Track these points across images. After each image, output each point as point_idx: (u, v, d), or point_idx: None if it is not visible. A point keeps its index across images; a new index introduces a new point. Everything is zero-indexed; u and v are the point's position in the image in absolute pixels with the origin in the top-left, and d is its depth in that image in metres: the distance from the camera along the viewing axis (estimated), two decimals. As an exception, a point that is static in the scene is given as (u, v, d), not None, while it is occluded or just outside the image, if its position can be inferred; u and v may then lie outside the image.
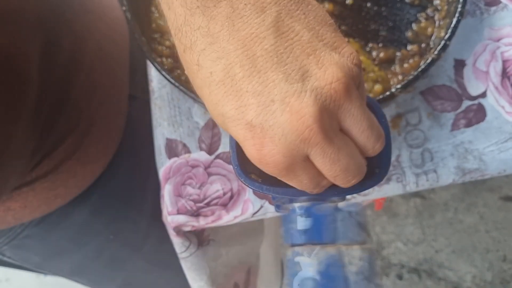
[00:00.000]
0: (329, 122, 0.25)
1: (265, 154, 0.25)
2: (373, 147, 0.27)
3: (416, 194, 1.29)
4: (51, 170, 0.49)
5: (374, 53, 0.47)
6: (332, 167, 0.26)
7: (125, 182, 0.60)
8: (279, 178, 0.27)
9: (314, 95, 0.24)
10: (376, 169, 0.30)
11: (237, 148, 0.30)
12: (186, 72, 0.28)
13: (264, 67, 0.24)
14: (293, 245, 0.33)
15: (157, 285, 0.69)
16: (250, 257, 0.69)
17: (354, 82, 0.25)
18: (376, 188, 0.48)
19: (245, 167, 0.30)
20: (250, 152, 0.26)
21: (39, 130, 0.45)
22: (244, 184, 0.29)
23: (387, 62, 0.47)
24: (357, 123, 0.26)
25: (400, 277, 1.26)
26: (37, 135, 0.45)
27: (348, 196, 0.48)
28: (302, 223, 0.33)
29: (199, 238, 0.53)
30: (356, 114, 0.26)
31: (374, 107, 0.29)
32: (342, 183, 0.27)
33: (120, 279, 0.67)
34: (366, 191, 0.48)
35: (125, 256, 0.63)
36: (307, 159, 0.26)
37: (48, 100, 0.45)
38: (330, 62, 0.25)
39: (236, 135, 0.26)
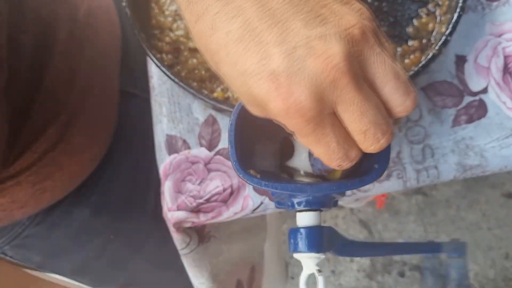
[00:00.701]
0: (354, 66, 0.24)
1: (292, 102, 0.24)
2: (404, 101, 0.26)
3: (418, 191, 1.29)
4: (34, 161, 0.49)
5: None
6: (361, 118, 0.25)
7: (126, 181, 0.60)
8: (307, 139, 0.25)
9: (336, 37, 0.24)
10: (375, 164, 0.29)
11: (236, 144, 0.30)
12: (197, 44, 0.27)
13: (283, 18, 0.24)
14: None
15: (158, 285, 0.69)
16: (252, 254, 0.69)
17: (368, 30, 0.25)
18: (376, 184, 0.48)
19: (244, 162, 0.30)
20: (275, 104, 0.24)
21: (9, 118, 0.44)
22: (243, 179, 0.29)
23: (388, 58, 0.47)
24: (380, 71, 0.25)
25: (402, 274, 1.26)
26: (8, 124, 0.44)
27: (348, 192, 0.48)
28: (301, 219, 0.33)
29: (200, 235, 0.53)
30: (377, 61, 0.25)
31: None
32: (371, 142, 0.26)
33: (121, 279, 0.67)
34: (366, 187, 0.48)
35: (126, 256, 0.63)
36: (335, 116, 0.25)
37: (18, 87, 0.44)
38: (343, 12, 0.25)
39: (258, 91, 0.25)
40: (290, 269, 1.30)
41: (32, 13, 0.46)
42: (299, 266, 0.33)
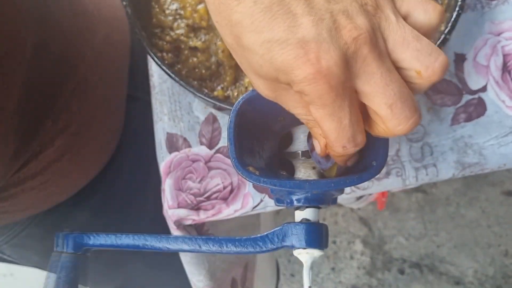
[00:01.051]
0: (376, 37, 0.25)
1: (321, 66, 0.24)
2: (431, 62, 0.25)
3: (418, 189, 1.30)
4: (39, 171, 0.49)
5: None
6: (385, 90, 0.24)
7: (126, 183, 0.60)
8: (323, 110, 0.25)
9: (357, 10, 0.25)
10: (373, 161, 0.30)
11: (235, 141, 0.30)
12: (216, 18, 0.27)
13: None
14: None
15: (156, 287, 0.70)
16: (247, 252, 0.69)
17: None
18: (375, 182, 0.48)
19: (243, 160, 0.30)
20: (303, 70, 0.24)
21: (21, 133, 0.44)
22: (242, 176, 0.29)
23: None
24: (399, 36, 0.25)
25: (401, 271, 1.26)
26: (19, 138, 0.44)
27: (347, 190, 0.48)
28: (300, 215, 0.33)
29: (199, 232, 0.53)
30: (395, 28, 0.25)
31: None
32: (399, 121, 0.25)
33: (119, 280, 0.67)
34: (365, 185, 0.49)
35: (125, 257, 0.64)
36: (354, 92, 0.25)
37: (33, 104, 0.44)
38: None
39: (285, 57, 0.25)
40: (290, 267, 1.30)
41: (56, 28, 0.46)
42: (299, 263, 0.33)
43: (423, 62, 0.25)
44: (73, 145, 0.51)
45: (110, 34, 0.56)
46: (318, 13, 0.25)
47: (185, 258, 0.54)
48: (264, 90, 0.28)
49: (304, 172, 0.34)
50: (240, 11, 0.25)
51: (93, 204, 0.57)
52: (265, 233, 0.33)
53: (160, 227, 0.52)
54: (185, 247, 0.36)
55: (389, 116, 0.25)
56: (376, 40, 0.25)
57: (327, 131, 0.26)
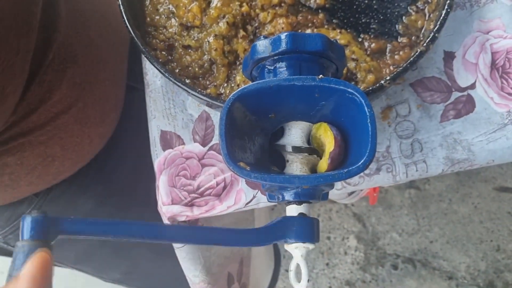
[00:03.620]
0: None
1: None
2: None
3: (411, 185, 1.31)
4: (48, 121, 0.50)
5: (366, 44, 0.48)
6: None
7: (129, 172, 0.60)
8: None
9: None
10: (361, 156, 0.30)
11: (227, 137, 0.30)
12: None
13: None
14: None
15: (159, 274, 0.70)
16: (242, 248, 0.70)
17: None
18: (366, 178, 0.49)
19: (234, 155, 0.31)
20: None
21: (32, 66, 0.46)
22: (233, 171, 0.30)
23: (379, 53, 0.48)
24: None
25: (395, 267, 1.28)
26: (31, 71, 0.46)
27: (338, 186, 0.49)
28: (291, 210, 0.34)
29: (194, 228, 0.54)
30: None
31: (360, 97, 0.30)
32: None
33: (123, 266, 0.68)
34: (357, 181, 0.49)
35: (129, 244, 0.64)
36: None
37: (37, 35, 0.46)
38: None
39: None
40: (284, 262, 1.31)
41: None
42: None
43: None
44: (78, 99, 0.52)
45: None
46: None
47: (180, 254, 0.54)
48: None
49: (295, 168, 0.34)
50: None
51: (97, 193, 0.58)
52: (266, 225, 0.33)
53: None
54: (184, 237, 0.36)
55: None
56: None
57: None
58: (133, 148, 0.61)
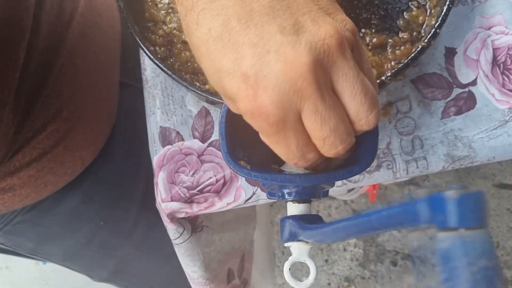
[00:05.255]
0: (322, 76, 0.25)
1: (258, 105, 0.25)
2: (367, 116, 0.26)
3: (411, 182, 1.30)
4: (35, 158, 0.49)
5: (367, 39, 0.48)
6: (322, 126, 0.26)
7: (116, 169, 0.60)
8: (268, 139, 0.26)
9: (308, 47, 0.24)
10: (363, 156, 0.30)
11: (226, 135, 0.30)
12: (186, 36, 0.28)
13: (260, 21, 0.25)
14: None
15: (147, 272, 0.70)
16: (243, 243, 0.70)
17: (348, 43, 0.26)
18: (366, 175, 0.49)
19: (234, 154, 0.30)
20: (243, 104, 0.25)
21: (18, 116, 0.45)
22: (233, 170, 0.30)
23: (380, 48, 0.47)
24: (350, 85, 0.26)
25: (394, 263, 1.28)
26: (16, 120, 0.45)
27: (338, 183, 0.49)
28: (292, 209, 0.33)
29: (193, 225, 0.54)
30: (349, 75, 0.25)
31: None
32: (329, 148, 0.27)
33: (111, 265, 0.67)
34: (357, 178, 0.49)
35: (116, 243, 0.64)
36: (299, 120, 0.26)
37: (28, 84, 0.45)
38: (324, 21, 0.25)
39: (230, 89, 0.25)
40: (284, 258, 1.31)
41: (47, 15, 0.47)
42: (288, 254, 0.33)
43: (360, 115, 0.26)
44: (69, 131, 0.51)
45: (97, 15, 0.56)
46: (266, 45, 0.24)
47: (179, 250, 0.54)
48: (229, 105, 0.29)
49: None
50: (198, 37, 0.26)
51: (84, 190, 0.58)
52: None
53: (150, 212, 0.52)
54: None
55: (321, 146, 0.27)
56: (322, 80, 0.25)
57: (277, 153, 0.27)
58: (120, 145, 0.60)
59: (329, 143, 0.26)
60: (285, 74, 0.24)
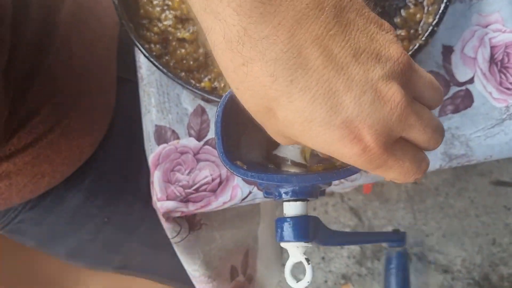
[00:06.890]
0: (409, 94, 0.26)
1: (368, 143, 0.25)
2: (436, 143, 0.28)
3: (408, 180, 1.30)
4: (30, 143, 0.49)
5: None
6: (425, 132, 0.26)
7: (119, 165, 0.60)
8: (381, 170, 0.26)
9: (393, 74, 0.25)
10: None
11: (222, 135, 0.30)
12: (238, 87, 0.26)
13: (345, 63, 0.24)
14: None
15: (153, 267, 0.70)
16: (247, 240, 0.69)
17: (407, 55, 0.27)
18: (363, 173, 0.49)
19: (230, 153, 0.30)
20: (350, 149, 0.25)
21: (10, 97, 0.45)
22: (229, 170, 0.29)
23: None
24: (427, 83, 0.27)
25: (391, 261, 1.28)
26: (8, 102, 0.45)
27: (335, 182, 0.48)
28: (288, 207, 0.33)
29: (190, 223, 0.54)
30: (424, 76, 0.27)
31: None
32: (435, 143, 0.27)
33: (116, 261, 0.67)
34: (354, 177, 0.49)
35: (120, 239, 0.64)
36: (401, 137, 0.26)
37: (19, 66, 0.45)
38: (386, 40, 0.26)
39: (329, 138, 0.25)
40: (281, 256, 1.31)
41: None
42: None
43: (429, 144, 0.27)
44: (63, 117, 0.51)
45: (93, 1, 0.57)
46: (359, 85, 0.24)
47: (178, 249, 0.54)
48: (285, 143, 0.29)
49: (292, 166, 0.34)
50: (275, 89, 0.25)
51: (86, 187, 0.57)
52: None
53: (153, 209, 0.52)
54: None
55: (427, 145, 0.28)
56: (410, 97, 0.26)
57: (393, 179, 0.28)
58: (122, 140, 0.60)
59: (435, 139, 0.27)
60: (386, 107, 0.25)
